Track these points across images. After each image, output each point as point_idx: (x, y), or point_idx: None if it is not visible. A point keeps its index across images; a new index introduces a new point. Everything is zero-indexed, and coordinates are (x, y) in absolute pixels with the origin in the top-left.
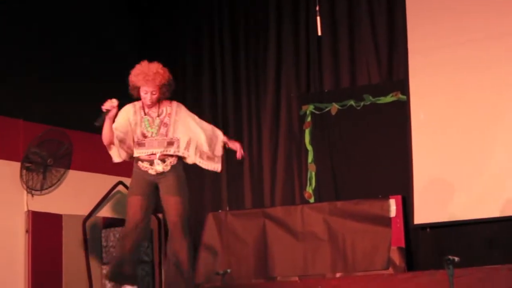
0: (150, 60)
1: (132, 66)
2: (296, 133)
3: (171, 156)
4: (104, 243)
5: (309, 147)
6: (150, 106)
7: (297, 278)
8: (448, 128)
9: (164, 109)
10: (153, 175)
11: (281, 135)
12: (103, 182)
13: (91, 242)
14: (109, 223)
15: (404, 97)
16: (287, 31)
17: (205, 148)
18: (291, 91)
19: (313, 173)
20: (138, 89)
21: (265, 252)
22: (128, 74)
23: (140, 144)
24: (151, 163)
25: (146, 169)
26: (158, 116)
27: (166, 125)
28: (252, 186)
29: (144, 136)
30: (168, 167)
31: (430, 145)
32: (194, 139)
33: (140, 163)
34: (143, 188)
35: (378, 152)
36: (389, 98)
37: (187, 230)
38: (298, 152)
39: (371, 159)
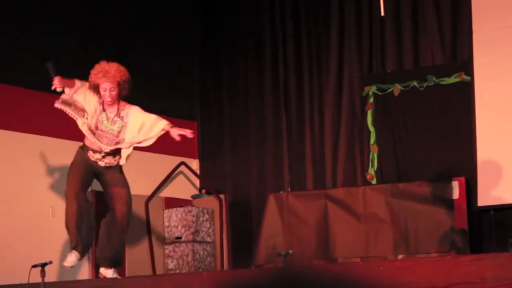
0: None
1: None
2: (358, 115)
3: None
4: (166, 223)
5: (371, 128)
6: (110, 104)
7: (358, 260)
8: None
9: (121, 112)
10: (102, 166)
11: (343, 116)
12: (165, 163)
13: (154, 222)
14: (171, 203)
15: (468, 77)
16: (349, 11)
17: (137, 138)
18: (353, 72)
19: (375, 155)
20: (98, 87)
21: (326, 233)
22: (192, 53)
23: (92, 132)
24: (104, 156)
25: (96, 160)
26: (115, 116)
27: (120, 127)
28: (313, 167)
29: (97, 128)
30: (115, 162)
31: (494, 127)
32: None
33: (91, 152)
34: (85, 167)
35: (441, 134)
36: (452, 79)
37: (129, 222)
38: (360, 133)
39: (434, 140)
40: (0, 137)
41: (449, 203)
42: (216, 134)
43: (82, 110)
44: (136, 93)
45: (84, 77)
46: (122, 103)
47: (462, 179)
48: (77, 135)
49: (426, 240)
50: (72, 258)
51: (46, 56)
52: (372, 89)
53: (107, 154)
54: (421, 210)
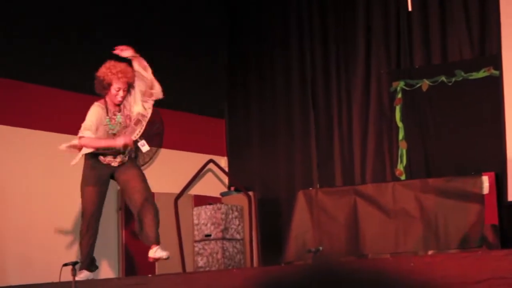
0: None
1: (222, 46)
2: (386, 110)
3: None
4: (195, 221)
5: (400, 124)
6: (119, 103)
7: (388, 256)
8: None
9: (122, 106)
10: (115, 166)
11: (371, 112)
12: (194, 161)
13: (183, 220)
14: (200, 201)
15: (497, 72)
16: (376, 6)
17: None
18: (381, 67)
19: (404, 151)
20: (108, 87)
21: (356, 230)
22: (220, 52)
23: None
24: (115, 156)
25: (109, 162)
26: (119, 112)
27: (125, 121)
28: (342, 164)
29: (107, 134)
30: (126, 158)
31: None
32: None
33: (101, 156)
34: (99, 179)
35: (470, 129)
36: (481, 74)
37: (153, 202)
38: (388, 129)
39: (463, 135)
40: (35, 137)
41: (479, 198)
42: (244, 132)
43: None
44: (164, 91)
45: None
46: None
47: (492, 174)
48: None
49: (456, 236)
50: (82, 275)
51: (78, 55)
52: (400, 84)
53: (119, 152)
54: (451, 206)
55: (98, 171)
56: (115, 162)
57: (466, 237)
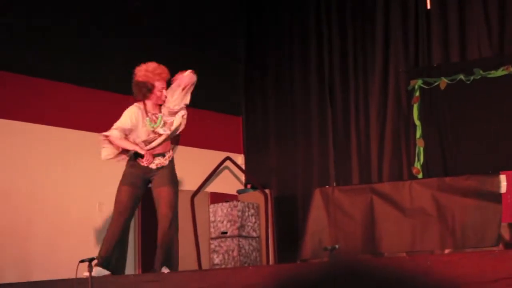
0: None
1: (240, 44)
2: (404, 108)
3: (170, 150)
4: (212, 218)
5: (418, 122)
6: (162, 103)
7: (404, 254)
8: None
9: (162, 106)
10: (153, 169)
11: (389, 110)
12: (211, 158)
13: (199, 217)
14: (217, 198)
15: None
16: (395, 4)
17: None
18: (399, 65)
19: (421, 149)
20: (152, 88)
21: (372, 228)
22: (238, 49)
23: (148, 143)
24: (153, 157)
25: (147, 163)
26: (159, 112)
27: (165, 123)
28: (359, 162)
29: (149, 134)
30: (167, 161)
31: None
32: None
33: (140, 158)
34: (136, 179)
35: (489, 127)
36: (500, 72)
37: (175, 221)
38: (406, 127)
39: (481, 134)
40: (49, 134)
41: (496, 197)
42: (261, 129)
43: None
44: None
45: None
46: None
47: (510, 173)
48: None
49: (473, 235)
50: (97, 270)
51: (98, 54)
52: (418, 82)
53: (157, 155)
54: (468, 204)
55: (135, 171)
56: (153, 164)
57: (483, 236)
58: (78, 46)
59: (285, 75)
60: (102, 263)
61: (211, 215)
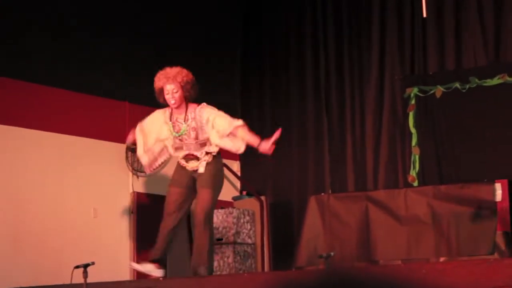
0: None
1: (236, 48)
2: (400, 116)
3: (206, 154)
4: None
5: (413, 130)
6: (176, 106)
7: (400, 262)
8: None
9: (189, 115)
10: (195, 171)
11: (384, 118)
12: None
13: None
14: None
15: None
16: (391, 12)
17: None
18: (395, 73)
19: (417, 157)
20: (162, 91)
21: (367, 236)
22: (230, 57)
23: (177, 148)
24: (187, 161)
25: (184, 166)
26: (185, 121)
27: (194, 129)
28: (355, 169)
29: (180, 140)
30: (203, 167)
31: None
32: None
33: (181, 160)
34: (183, 179)
35: (484, 136)
36: (495, 81)
37: (208, 224)
38: (401, 135)
39: (476, 142)
40: (44, 139)
41: (491, 206)
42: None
43: (159, 141)
44: None
45: (128, 73)
46: (191, 105)
47: (505, 181)
48: (120, 137)
49: (469, 243)
50: (148, 267)
51: (93, 60)
52: (414, 90)
53: (191, 159)
54: (464, 213)
55: (181, 173)
56: (188, 166)
57: (478, 244)
58: (72, 51)
59: (281, 82)
60: (153, 261)
61: None
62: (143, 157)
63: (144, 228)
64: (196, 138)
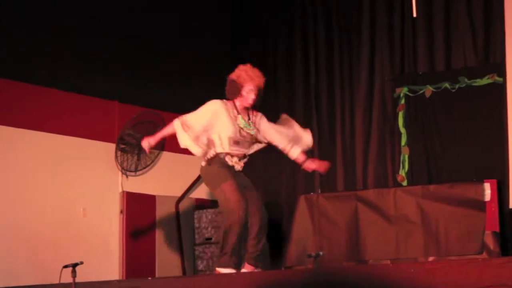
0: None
1: (223, 48)
2: (389, 116)
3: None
4: (196, 224)
5: (403, 130)
6: (248, 106)
7: (389, 262)
8: None
9: (253, 117)
10: (236, 171)
11: (374, 117)
12: (196, 164)
13: (184, 223)
14: (202, 204)
15: (501, 79)
16: (381, 12)
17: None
18: (385, 73)
19: (406, 156)
20: (240, 88)
21: (356, 235)
22: (219, 55)
23: (235, 142)
24: (240, 159)
25: (233, 164)
26: (249, 119)
27: (257, 130)
28: (344, 169)
29: (241, 134)
30: (240, 166)
31: None
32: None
33: (229, 157)
34: (228, 171)
35: (473, 135)
36: (485, 81)
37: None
38: (391, 135)
39: (466, 142)
40: (33, 139)
41: (480, 205)
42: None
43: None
44: (168, 91)
45: (118, 72)
46: (253, 110)
47: (494, 181)
48: (110, 137)
49: (457, 242)
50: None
51: (90, 60)
52: (404, 90)
53: (242, 157)
54: (452, 212)
55: (226, 168)
56: (238, 165)
57: (467, 243)
58: (62, 51)
59: (270, 83)
60: (235, 264)
61: (195, 221)
62: (194, 147)
63: (134, 227)
64: (255, 137)
